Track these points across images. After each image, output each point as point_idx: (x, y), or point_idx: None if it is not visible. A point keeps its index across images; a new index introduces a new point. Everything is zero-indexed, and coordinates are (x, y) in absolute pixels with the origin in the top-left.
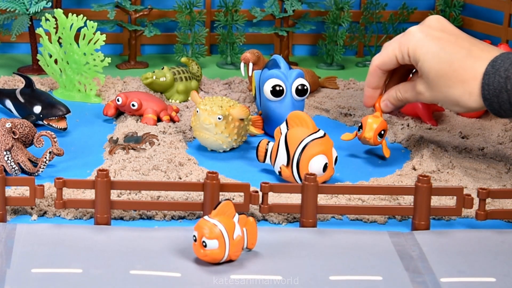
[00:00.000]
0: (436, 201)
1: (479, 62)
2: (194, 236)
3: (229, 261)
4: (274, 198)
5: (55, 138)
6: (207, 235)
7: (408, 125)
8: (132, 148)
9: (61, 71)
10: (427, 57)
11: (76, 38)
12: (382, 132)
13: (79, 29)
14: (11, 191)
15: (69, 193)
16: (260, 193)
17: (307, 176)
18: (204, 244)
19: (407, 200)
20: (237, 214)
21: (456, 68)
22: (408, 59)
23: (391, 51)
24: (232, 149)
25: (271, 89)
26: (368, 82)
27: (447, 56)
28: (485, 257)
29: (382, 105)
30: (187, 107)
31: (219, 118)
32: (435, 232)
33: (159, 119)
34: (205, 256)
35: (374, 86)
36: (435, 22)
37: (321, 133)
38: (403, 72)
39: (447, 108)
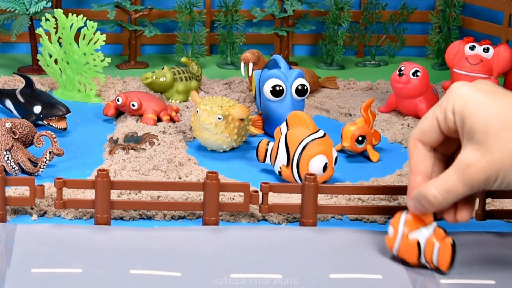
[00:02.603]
0: None
1: None
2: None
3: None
4: (274, 198)
5: (55, 138)
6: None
7: (408, 125)
8: (132, 148)
9: (61, 71)
10: (480, 109)
11: (76, 38)
12: (360, 138)
13: (79, 29)
14: (11, 191)
15: (69, 193)
16: (260, 193)
17: (307, 176)
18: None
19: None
20: (434, 224)
21: None
22: (453, 118)
23: (431, 115)
24: (232, 149)
25: (271, 89)
26: (412, 166)
27: (508, 106)
28: (485, 259)
29: (409, 206)
30: (187, 107)
31: (219, 118)
32: None
33: (159, 119)
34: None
35: (420, 171)
36: (483, 81)
37: (321, 133)
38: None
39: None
